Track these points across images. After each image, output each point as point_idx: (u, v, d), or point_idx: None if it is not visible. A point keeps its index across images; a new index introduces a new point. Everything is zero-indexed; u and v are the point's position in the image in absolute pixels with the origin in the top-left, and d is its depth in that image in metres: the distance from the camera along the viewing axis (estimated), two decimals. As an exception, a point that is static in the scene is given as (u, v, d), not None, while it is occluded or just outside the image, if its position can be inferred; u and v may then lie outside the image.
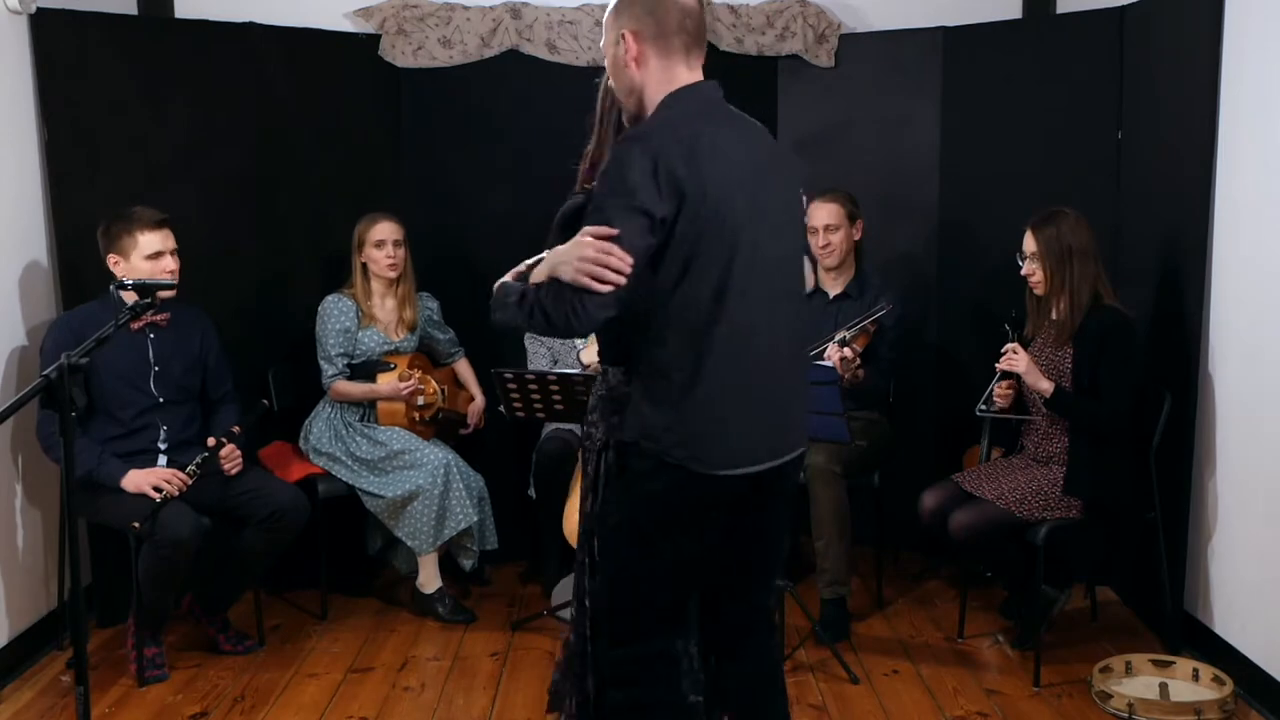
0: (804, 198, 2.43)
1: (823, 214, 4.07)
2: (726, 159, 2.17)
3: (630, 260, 2.07)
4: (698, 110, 2.24)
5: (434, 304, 4.33)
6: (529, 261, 2.28)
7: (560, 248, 2.13)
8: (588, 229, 2.08)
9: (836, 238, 4.06)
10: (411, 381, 4.04)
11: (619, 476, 2.27)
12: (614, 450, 2.26)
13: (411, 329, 4.18)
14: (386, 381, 4.06)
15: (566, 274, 2.07)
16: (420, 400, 4.13)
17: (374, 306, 4.11)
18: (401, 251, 4.09)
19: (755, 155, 2.25)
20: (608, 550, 2.31)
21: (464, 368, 4.44)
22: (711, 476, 2.20)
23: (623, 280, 2.06)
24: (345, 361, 4.07)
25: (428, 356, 4.36)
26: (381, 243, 4.05)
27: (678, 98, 2.24)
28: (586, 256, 2.06)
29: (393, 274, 4.09)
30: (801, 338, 2.42)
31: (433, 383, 4.22)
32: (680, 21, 2.23)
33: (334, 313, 4.06)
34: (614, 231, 2.06)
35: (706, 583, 2.37)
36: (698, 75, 2.29)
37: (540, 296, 2.12)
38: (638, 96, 2.29)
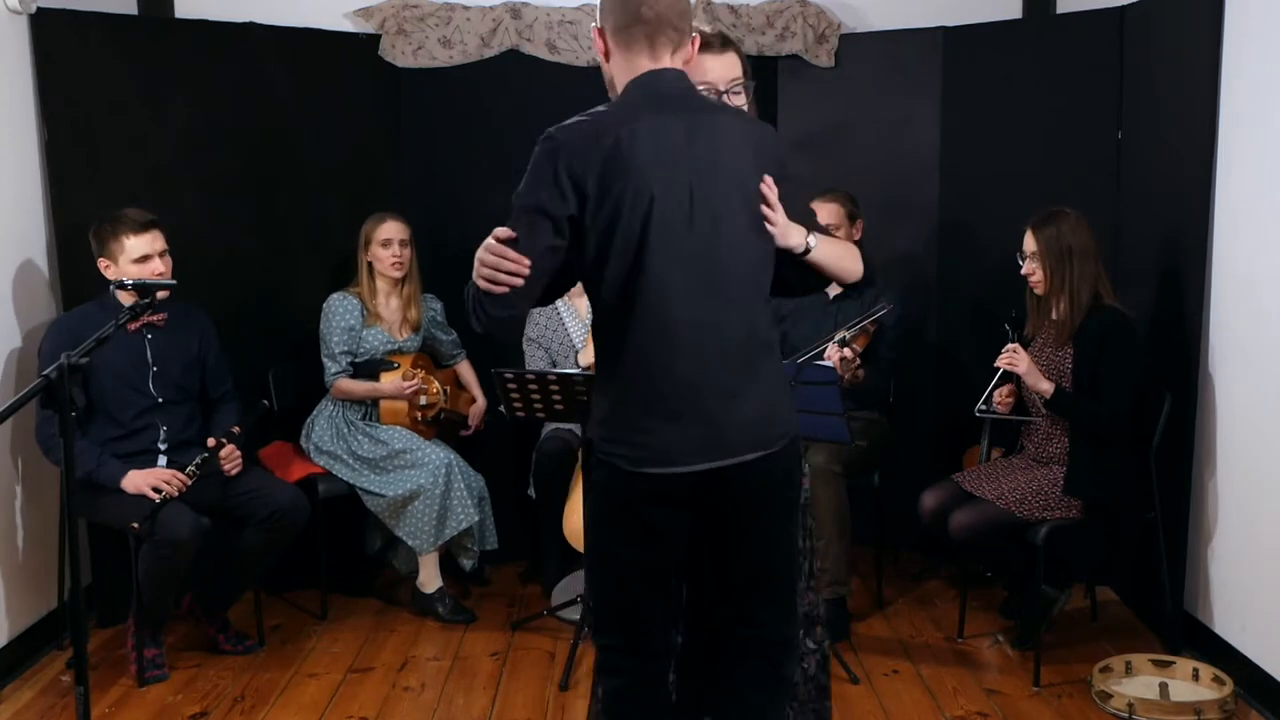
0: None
1: (823, 214, 4.05)
2: (651, 152, 2.12)
3: (527, 262, 2.09)
4: (641, 100, 2.18)
5: (438, 305, 4.33)
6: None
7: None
8: (495, 230, 2.13)
9: (837, 237, 4.05)
10: (415, 381, 4.04)
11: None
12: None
13: (415, 329, 4.19)
14: (390, 380, 4.06)
15: (476, 273, 2.13)
16: (423, 400, 4.13)
17: (379, 305, 4.12)
18: (408, 251, 4.09)
19: (697, 148, 2.15)
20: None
21: (466, 369, 4.44)
22: (636, 474, 2.18)
23: (519, 282, 2.09)
24: (349, 360, 4.07)
25: (430, 357, 4.36)
26: (388, 242, 4.06)
27: (627, 89, 2.23)
28: (484, 260, 2.11)
29: (398, 273, 4.09)
30: (758, 336, 2.25)
31: (435, 383, 4.22)
32: (637, 11, 2.17)
33: (339, 311, 4.06)
34: (511, 234, 2.11)
35: (666, 589, 2.31)
36: (664, 64, 2.21)
37: (466, 296, 2.18)
38: (613, 90, 2.29)
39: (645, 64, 2.21)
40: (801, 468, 2.44)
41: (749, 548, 2.28)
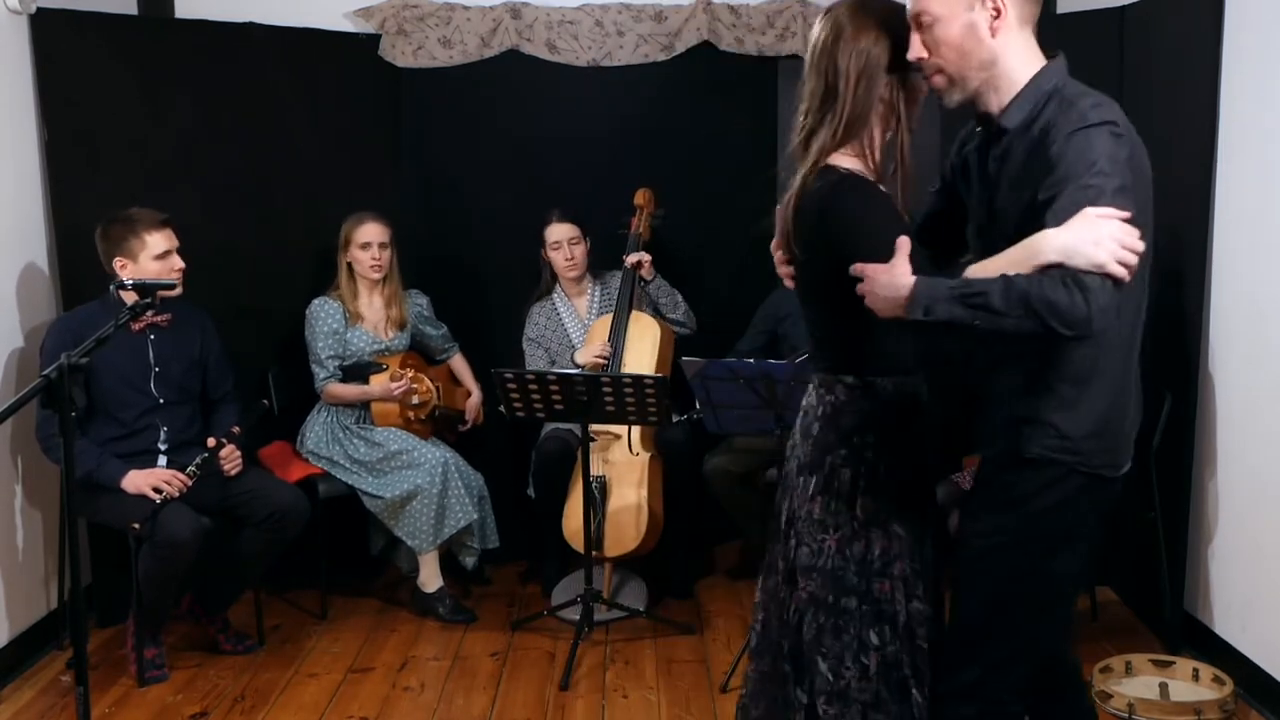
0: None
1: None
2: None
3: (1143, 245, 1.86)
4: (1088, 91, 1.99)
5: (423, 300, 4.33)
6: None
7: (1051, 232, 1.84)
8: (1099, 210, 1.83)
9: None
10: (403, 382, 4.03)
11: (1007, 492, 2.06)
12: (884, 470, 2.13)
13: (401, 327, 4.18)
14: (378, 382, 4.06)
15: (1096, 256, 1.81)
16: (414, 399, 4.12)
17: (360, 306, 4.11)
18: (387, 253, 4.09)
19: None
20: (982, 572, 2.10)
21: (459, 363, 4.44)
22: (1115, 479, 2.07)
23: (1135, 261, 1.84)
24: (336, 364, 4.07)
25: (421, 354, 4.36)
26: (368, 244, 4.05)
27: (1067, 76, 2.02)
28: (1121, 240, 1.82)
29: (377, 275, 4.09)
30: None
31: (426, 381, 4.21)
32: None
33: (321, 315, 4.06)
34: (1127, 214, 1.84)
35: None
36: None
37: (1036, 286, 1.82)
38: (990, 71, 2.00)
39: (1036, 47, 2.03)
40: None
41: None
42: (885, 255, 1.96)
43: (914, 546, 2.16)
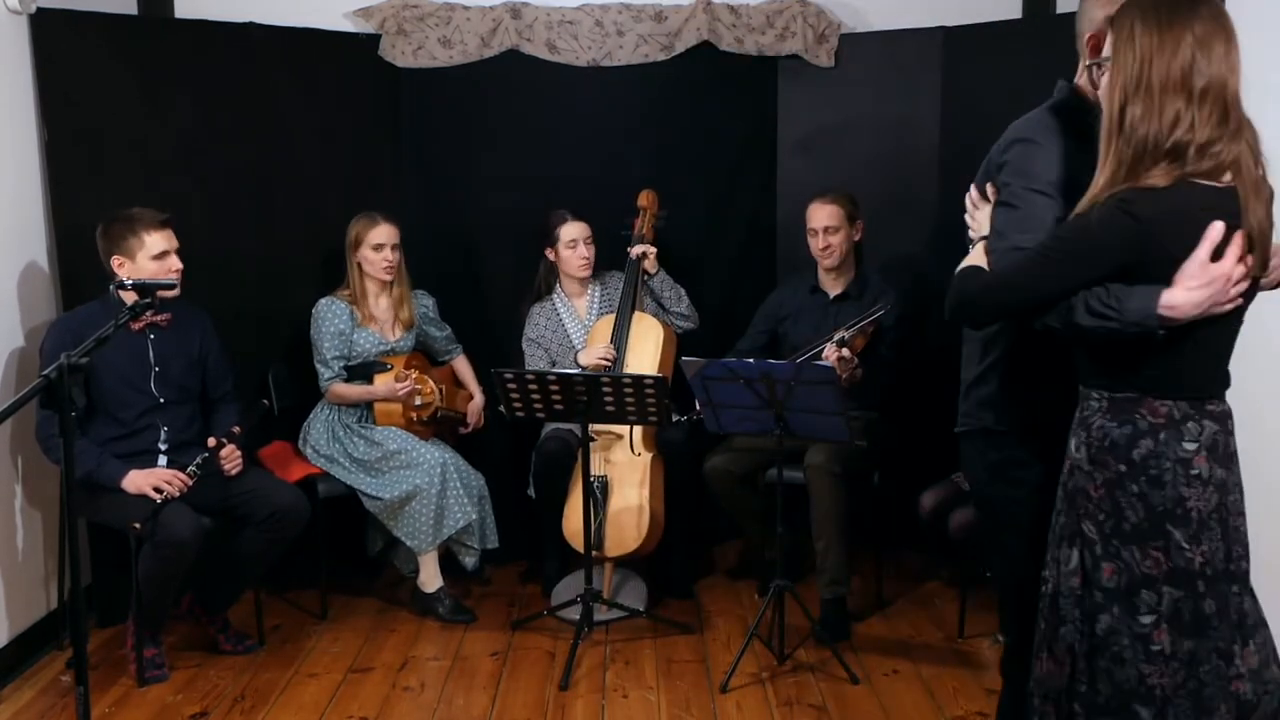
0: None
1: (822, 215, 4.07)
2: None
3: None
4: None
5: (429, 301, 4.33)
6: None
7: None
8: None
9: (836, 239, 4.07)
10: (408, 382, 4.03)
11: None
12: None
13: (408, 328, 4.18)
14: (383, 382, 4.06)
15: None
16: (418, 400, 4.13)
17: (369, 306, 4.11)
18: (398, 255, 4.10)
19: None
20: None
21: (462, 364, 4.44)
22: None
23: None
24: (341, 364, 4.07)
25: (425, 355, 4.36)
26: (380, 246, 4.06)
27: None
28: None
29: (388, 277, 4.09)
30: None
31: (430, 382, 4.22)
32: None
33: (328, 316, 4.06)
34: None
35: None
36: None
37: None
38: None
39: None
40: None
41: None
42: None
43: None
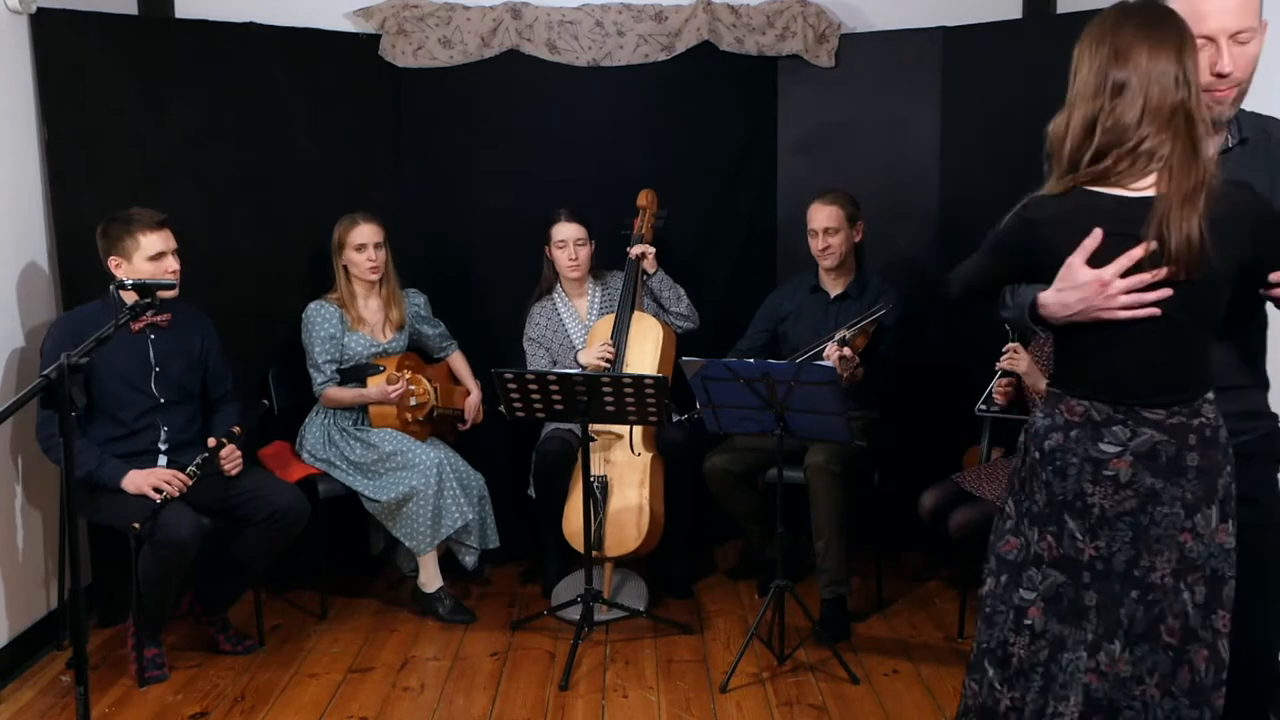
0: None
1: (822, 217, 4.07)
2: None
3: None
4: None
5: (421, 299, 4.32)
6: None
7: None
8: None
9: (836, 240, 4.07)
10: (399, 385, 4.02)
11: None
12: None
13: (399, 328, 4.18)
14: (375, 385, 4.05)
15: None
16: (412, 401, 4.12)
17: (359, 308, 4.11)
18: (382, 254, 4.09)
19: None
20: None
21: (458, 361, 4.44)
22: None
23: None
24: (334, 368, 4.07)
25: (420, 353, 4.35)
26: (362, 246, 4.05)
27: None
28: None
29: (374, 277, 4.09)
30: None
31: (424, 382, 4.21)
32: None
33: (318, 320, 4.06)
34: None
35: None
36: None
37: None
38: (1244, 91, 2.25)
39: None
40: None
41: None
42: None
43: None
